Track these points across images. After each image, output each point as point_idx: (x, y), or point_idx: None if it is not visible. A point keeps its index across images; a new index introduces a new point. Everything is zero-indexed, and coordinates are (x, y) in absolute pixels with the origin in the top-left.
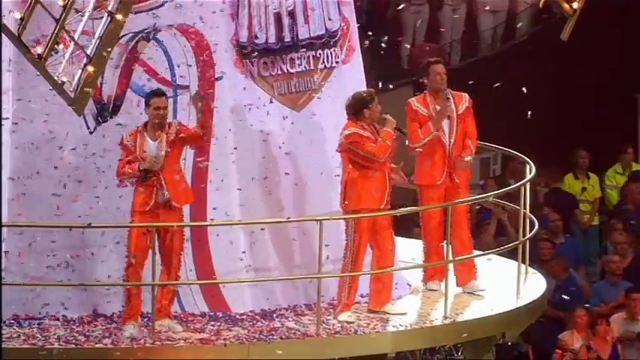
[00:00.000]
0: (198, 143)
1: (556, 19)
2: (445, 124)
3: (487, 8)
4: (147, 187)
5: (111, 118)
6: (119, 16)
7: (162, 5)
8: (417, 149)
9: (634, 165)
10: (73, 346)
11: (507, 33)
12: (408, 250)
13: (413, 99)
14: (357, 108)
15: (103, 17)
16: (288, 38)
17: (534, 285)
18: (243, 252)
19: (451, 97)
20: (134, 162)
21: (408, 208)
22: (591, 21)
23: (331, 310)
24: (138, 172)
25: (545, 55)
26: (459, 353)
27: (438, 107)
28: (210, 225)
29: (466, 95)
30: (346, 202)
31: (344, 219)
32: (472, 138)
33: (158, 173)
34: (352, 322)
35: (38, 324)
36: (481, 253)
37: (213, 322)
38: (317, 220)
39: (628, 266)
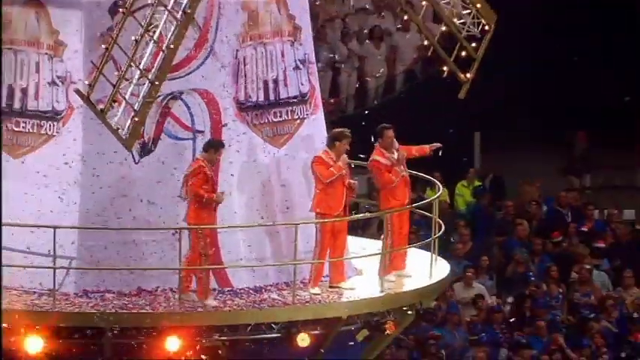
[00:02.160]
0: None
1: (420, 80)
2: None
3: (372, 74)
4: (207, 204)
5: (150, 153)
6: (157, 83)
7: (186, 75)
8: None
9: (476, 181)
10: (125, 311)
11: (386, 90)
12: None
13: (376, 157)
14: (331, 140)
15: (145, 83)
16: (272, 97)
17: (441, 268)
18: (249, 245)
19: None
20: (210, 191)
21: (360, 214)
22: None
23: (302, 286)
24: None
25: (415, 106)
26: (390, 315)
27: (393, 156)
28: (221, 228)
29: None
30: (317, 210)
31: (314, 223)
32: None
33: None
34: (318, 294)
35: (101, 296)
36: (406, 246)
37: (221, 295)
38: (294, 225)
39: (467, 251)
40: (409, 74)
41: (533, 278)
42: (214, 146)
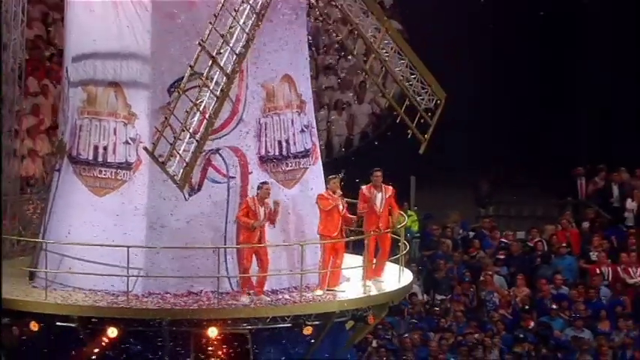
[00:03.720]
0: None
1: (371, 139)
2: (379, 202)
3: (337, 134)
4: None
5: (196, 193)
6: (201, 142)
7: (223, 137)
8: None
9: (409, 212)
10: (178, 307)
11: (347, 145)
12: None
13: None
14: (325, 183)
15: (193, 142)
16: (284, 152)
17: (407, 276)
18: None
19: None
20: (251, 218)
21: (351, 237)
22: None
23: (308, 290)
24: (253, 225)
25: (368, 157)
26: (369, 311)
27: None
28: (242, 247)
29: (390, 188)
30: (320, 232)
31: (316, 243)
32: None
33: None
34: (319, 295)
35: (161, 297)
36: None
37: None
38: (301, 244)
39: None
40: (363, 134)
41: (467, 279)
42: (258, 187)
